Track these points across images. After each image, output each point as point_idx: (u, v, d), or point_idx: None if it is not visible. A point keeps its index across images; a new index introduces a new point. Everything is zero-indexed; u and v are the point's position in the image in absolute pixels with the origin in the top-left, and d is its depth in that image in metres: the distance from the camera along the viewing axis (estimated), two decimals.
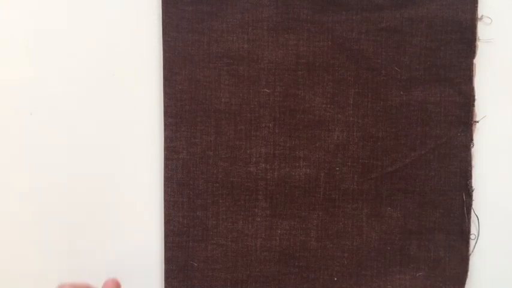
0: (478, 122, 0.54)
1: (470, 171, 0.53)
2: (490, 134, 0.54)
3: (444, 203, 0.54)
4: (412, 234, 0.54)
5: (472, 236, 0.54)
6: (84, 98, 0.54)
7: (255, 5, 0.53)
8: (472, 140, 0.54)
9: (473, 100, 0.53)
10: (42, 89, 0.54)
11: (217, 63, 0.53)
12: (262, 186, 0.54)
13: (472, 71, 0.53)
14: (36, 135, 0.54)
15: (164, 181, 0.54)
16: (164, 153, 0.54)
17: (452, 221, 0.54)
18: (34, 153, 0.54)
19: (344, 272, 0.54)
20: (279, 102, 0.53)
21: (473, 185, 0.54)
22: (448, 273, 0.54)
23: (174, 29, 0.53)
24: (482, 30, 0.53)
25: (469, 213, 0.54)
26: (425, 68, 0.53)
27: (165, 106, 0.53)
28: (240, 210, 0.54)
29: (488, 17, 0.53)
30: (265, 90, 0.53)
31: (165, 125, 0.53)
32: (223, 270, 0.54)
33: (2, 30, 0.54)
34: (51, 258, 0.55)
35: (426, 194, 0.54)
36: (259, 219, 0.54)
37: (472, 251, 0.54)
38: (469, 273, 0.54)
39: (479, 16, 0.53)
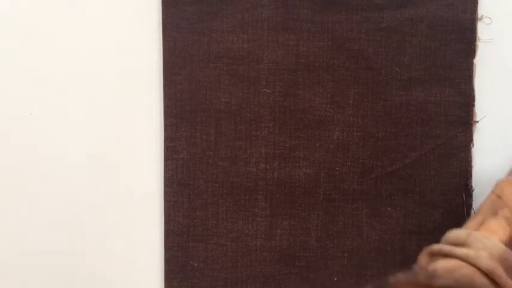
0: (478, 122, 0.54)
1: (470, 171, 0.53)
2: (490, 134, 0.54)
3: (444, 203, 0.54)
4: (412, 234, 0.54)
5: None
6: (84, 98, 0.54)
7: (255, 5, 0.53)
8: (472, 140, 0.53)
9: (473, 100, 0.53)
10: (42, 89, 0.54)
11: (217, 63, 0.53)
12: (262, 186, 0.54)
13: (472, 71, 0.53)
14: (36, 135, 0.54)
15: (164, 181, 0.54)
16: (164, 153, 0.54)
17: (452, 221, 0.54)
18: (34, 153, 0.54)
19: (344, 272, 0.54)
20: (279, 102, 0.53)
21: (473, 185, 0.54)
22: None
23: (174, 29, 0.53)
24: (482, 30, 0.53)
25: (469, 213, 0.53)
26: (425, 68, 0.53)
27: (165, 106, 0.53)
28: (240, 210, 0.54)
29: (488, 17, 0.53)
30: (265, 90, 0.53)
31: (165, 125, 0.53)
32: (223, 270, 0.54)
33: (2, 30, 0.54)
34: (51, 258, 0.55)
35: (426, 194, 0.54)
36: (259, 219, 0.54)
37: None
38: None
39: (479, 16, 0.53)
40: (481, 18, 0.53)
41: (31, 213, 0.54)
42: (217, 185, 0.54)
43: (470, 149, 0.54)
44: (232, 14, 0.53)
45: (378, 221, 0.54)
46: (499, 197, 0.43)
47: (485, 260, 0.39)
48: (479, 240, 0.40)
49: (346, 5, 0.53)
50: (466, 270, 0.39)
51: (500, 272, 0.38)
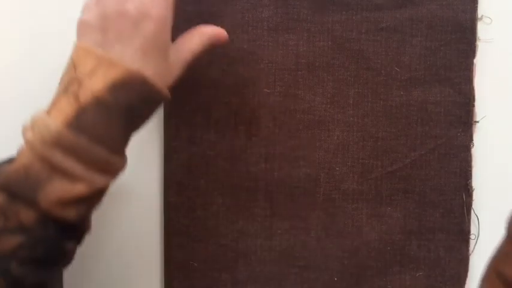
0: (478, 122, 0.54)
1: (470, 171, 0.53)
2: (490, 134, 0.54)
3: (444, 203, 0.54)
4: (412, 234, 0.54)
5: (472, 236, 0.54)
6: None
7: (255, 5, 0.53)
8: (472, 140, 0.54)
9: (473, 100, 0.53)
10: (42, 89, 0.54)
11: (217, 63, 0.53)
12: (262, 186, 0.54)
13: (472, 71, 0.53)
14: None
15: (164, 181, 0.54)
16: (164, 153, 0.54)
17: (452, 221, 0.54)
18: None
19: (344, 272, 0.54)
20: (279, 102, 0.53)
21: (473, 185, 0.54)
22: (448, 273, 0.54)
23: (174, 29, 0.53)
24: (482, 30, 0.53)
25: (469, 213, 0.54)
26: (425, 68, 0.53)
27: (165, 106, 0.53)
28: (240, 210, 0.54)
29: (488, 17, 0.53)
30: (265, 90, 0.53)
31: (165, 125, 0.53)
32: (223, 270, 0.54)
33: (1, 30, 0.54)
34: None
35: (426, 194, 0.54)
36: (259, 219, 0.54)
37: (472, 251, 0.54)
38: (469, 273, 0.54)
39: (479, 16, 0.53)
40: (481, 18, 0.53)
41: None
42: (217, 185, 0.54)
43: (470, 149, 0.54)
44: (232, 14, 0.53)
45: (378, 221, 0.54)
46: (74, 68, 0.38)
47: (38, 146, 0.35)
48: (37, 125, 0.37)
49: (346, 5, 0.53)
50: (25, 160, 0.36)
51: (56, 157, 0.34)
